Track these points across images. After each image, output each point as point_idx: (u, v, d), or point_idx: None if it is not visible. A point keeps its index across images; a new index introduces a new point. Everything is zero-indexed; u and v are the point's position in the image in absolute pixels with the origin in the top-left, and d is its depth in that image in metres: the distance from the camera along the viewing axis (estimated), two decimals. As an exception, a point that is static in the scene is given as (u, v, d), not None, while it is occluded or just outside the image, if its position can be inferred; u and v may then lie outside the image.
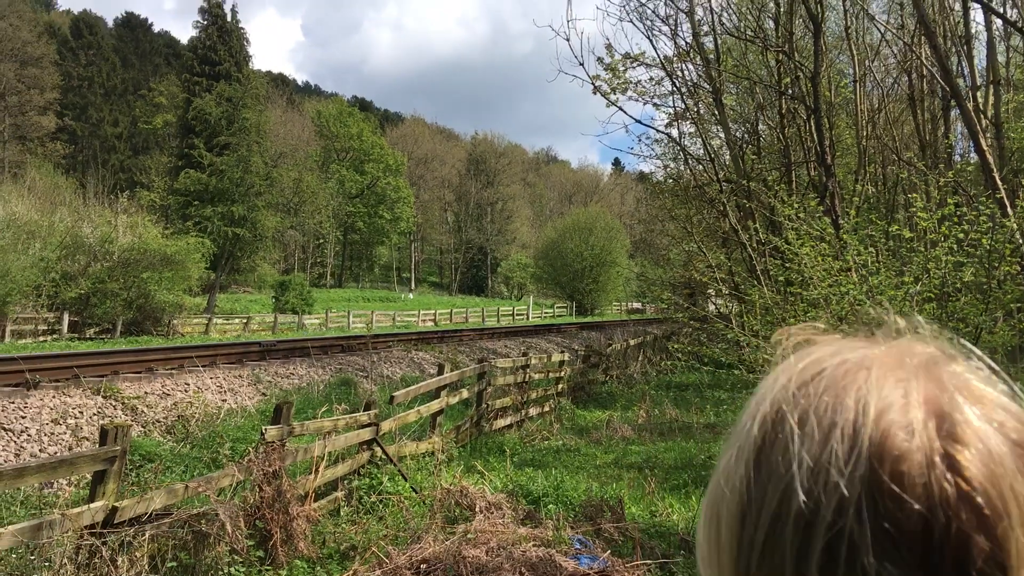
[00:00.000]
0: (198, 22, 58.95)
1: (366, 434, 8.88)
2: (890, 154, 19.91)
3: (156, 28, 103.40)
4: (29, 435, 9.06)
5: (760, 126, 21.98)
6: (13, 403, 9.51)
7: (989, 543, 0.53)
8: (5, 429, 8.92)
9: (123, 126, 78.11)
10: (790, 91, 17.84)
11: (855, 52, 17.93)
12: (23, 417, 9.34)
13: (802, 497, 0.56)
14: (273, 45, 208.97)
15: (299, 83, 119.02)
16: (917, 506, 0.54)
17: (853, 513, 0.55)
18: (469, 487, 8.06)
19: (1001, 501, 0.55)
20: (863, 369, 0.61)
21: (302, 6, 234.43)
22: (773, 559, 0.57)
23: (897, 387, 0.59)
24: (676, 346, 12.81)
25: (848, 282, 8.48)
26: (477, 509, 7.61)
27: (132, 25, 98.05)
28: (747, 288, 11.30)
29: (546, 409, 15.00)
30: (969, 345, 0.65)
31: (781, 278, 9.83)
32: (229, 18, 59.09)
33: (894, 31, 18.39)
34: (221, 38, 57.54)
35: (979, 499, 0.54)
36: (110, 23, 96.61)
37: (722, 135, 20.65)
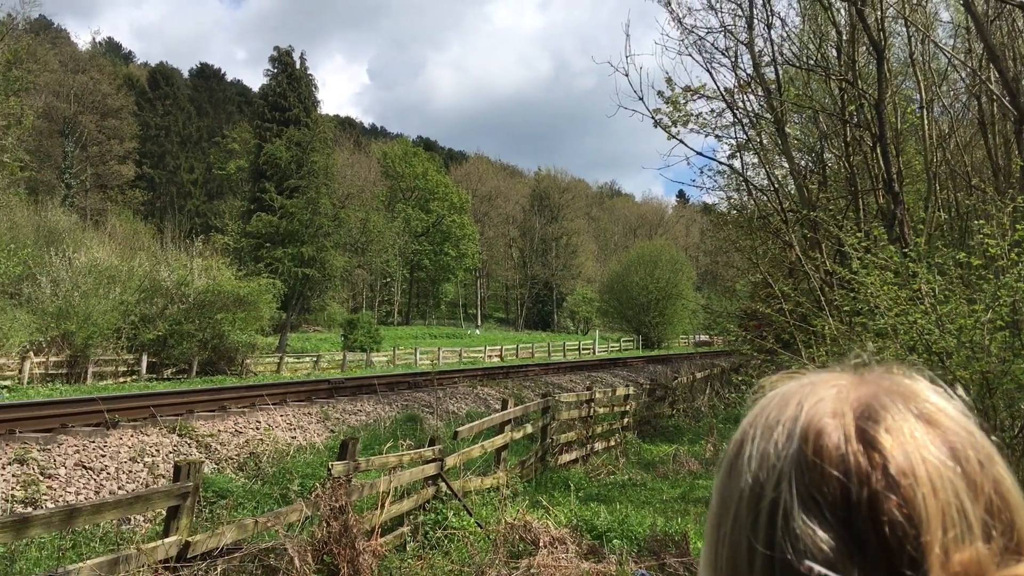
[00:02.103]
0: (268, 70, 60.86)
1: (431, 469, 8.98)
2: (962, 180, 19.45)
3: (229, 77, 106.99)
4: (108, 473, 9.39)
5: (825, 154, 21.70)
6: (93, 442, 9.88)
7: (898, 500, 0.62)
8: (86, 467, 9.26)
9: (198, 172, 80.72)
10: (855, 119, 17.62)
11: (921, 78, 17.64)
12: (103, 456, 9.68)
13: (749, 480, 0.67)
14: (340, 90, 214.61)
15: (365, 125, 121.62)
16: (836, 473, 0.64)
17: (786, 485, 0.65)
18: (533, 522, 8.08)
19: (909, 465, 0.64)
20: (811, 384, 0.71)
21: (368, 51, 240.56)
22: (736, 544, 0.67)
23: (832, 389, 0.70)
24: (741, 378, 12.66)
25: (916, 311, 8.33)
26: (541, 544, 7.62)
27: (206, 75, 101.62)
28: (813, 319, 11.15)
29: (612, 443, 14.91)
30: (932, 375, 0.75)
31: (847, 308, 9.68)
32: (298, 66, 60.86)
33: (960, 57, 18.06)
34: (290, 85, 59.25)
35: (890, 465, 0.63)
36: (185, 74, 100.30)
37: (786, 165, 20.45)
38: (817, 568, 0.61)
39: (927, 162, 17.94)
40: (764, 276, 19.25)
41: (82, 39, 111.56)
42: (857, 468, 0.63)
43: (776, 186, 19.53)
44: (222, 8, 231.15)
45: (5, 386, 21.85)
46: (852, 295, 9.60)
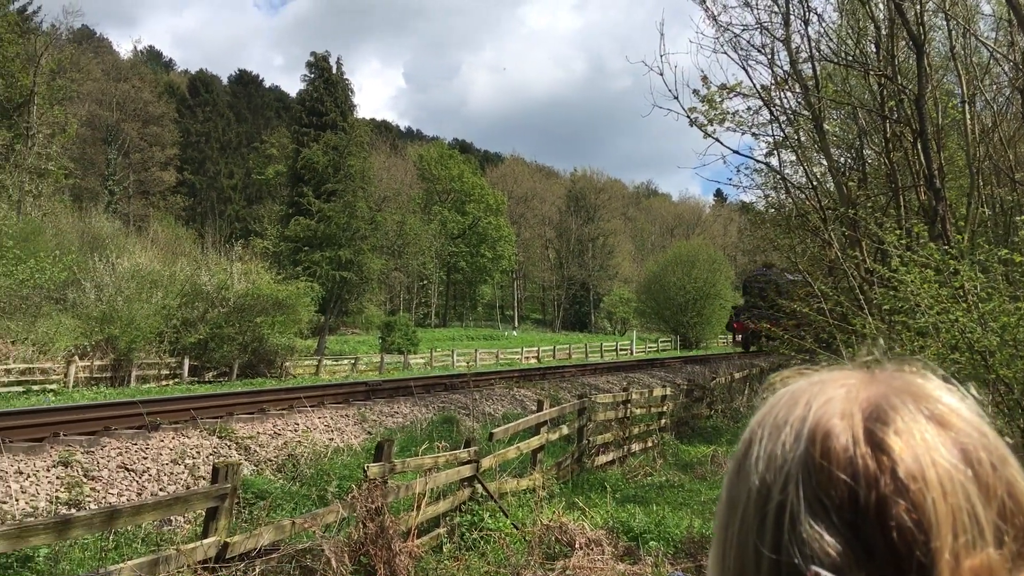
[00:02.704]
0: (305, 75, 61.40)
1: (466, 471, 8.99)
2: (1005, 175, 19.06)
3: (267, 83, 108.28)
4: (150, 474, 9.54)
5: (865, 151, 21.40)
6: (136, 444, 10.04)
7: (907, 505, 0.61)
8: (128, 469, 9.41)
9: (238, 178, 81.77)
10: (895, 114, 17.35)
11: (962, 72, 17.31)
12: (145, 458, 9.84)
13: (756, 482, 0.66)
14: (377, 94, 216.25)
15: (401, 128, 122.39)
16: (843, 476, 0.62)
17: (793, 488, 0.64)
18: (569, 523, 8.06)
19: (919, 468, 0.62)
20: (821, 382, 0.69)
21: (403, 55, 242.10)
22: (743, 546, 0.66)
23: (841, 388, 0.69)
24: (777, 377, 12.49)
25: (958, 309, 8.18)
26: (577, 545, 7.60)
27: (245, 81, 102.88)
28: (852, 318, 11.00)
29: (649, 444, 14.84)
30: (945, 374, 0.73)
31: (887, 307, 9.53)
32: (334, 71, 61.32)
33: (1003, 51, 17.71)
34: (327, 90, 59.73)
35: (899, 469, 0.62)
36: (225, 80, 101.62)
37: (824, 162, 20.20)
38: (824, 573, 0.60)
39: (969, 157, 17.61)
40: (803, 275, 19.04)
41: (124, 48, 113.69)
42: (865, 471, 0.62)
43: (815, 184, 19.30)
44: (260, 15, 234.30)
45: (51, 389, 22.29)
46: (892, 293, 9.45)
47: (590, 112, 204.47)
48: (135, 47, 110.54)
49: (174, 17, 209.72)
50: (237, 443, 11.09)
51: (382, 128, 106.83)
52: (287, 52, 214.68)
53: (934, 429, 0.65)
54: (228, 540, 6.15)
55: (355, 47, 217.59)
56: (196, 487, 8.87)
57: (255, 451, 11.11)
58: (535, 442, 11.09)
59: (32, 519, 7.08)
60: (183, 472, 9.83)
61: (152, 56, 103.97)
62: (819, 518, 0.62)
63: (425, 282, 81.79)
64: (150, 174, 72.05)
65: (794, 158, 20.95)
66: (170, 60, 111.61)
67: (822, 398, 0.68)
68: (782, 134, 20.35)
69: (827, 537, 0.61)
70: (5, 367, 22.23)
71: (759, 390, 0.77)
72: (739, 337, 41.87)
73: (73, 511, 7.60)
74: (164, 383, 26.41)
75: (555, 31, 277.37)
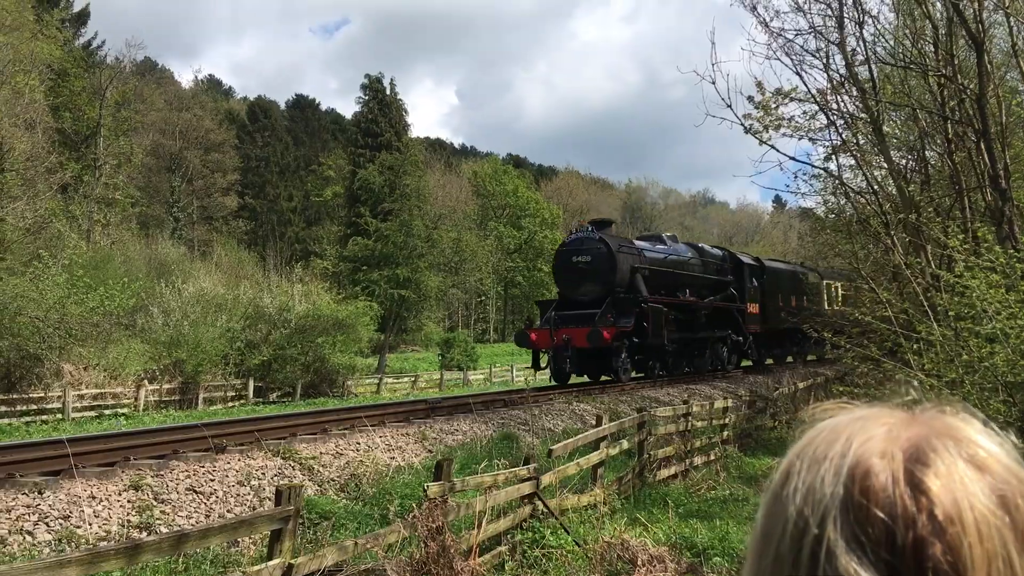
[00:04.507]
0: (360, 98, 62.38)
1: (526, 488, 8.99)
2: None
3: (323, 106, 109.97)
4: (217, 496, 9.73)
5: (926, 152, 20.92)
6: (203, 467, 10.26)
7: (943, 547, 0.61)
8: (196, 492, 9.62)
9: (297, 200, 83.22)
10: (956, 114, 16.94)
11: (1025, 68, 16.86)
12: (212, 480, 10.05)
13: (793, 514, 0.67)
14: (430, 112, 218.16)
15: (455, 146, 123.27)
16: (881, 515, 0.63)
17: (831, 524, 0.64)
18: (630, 540, 8.01)
19: (956, 511, 0.63)
20: (862, 419, 0.70)
21: (456, 73, 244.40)
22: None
23: (882, 427, 0.70)
24: (841, 388, 12.30)
25: (1028, 314, 7.95)
26: (639, 563, 7.54)
27: (302, 106, 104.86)
28: (918, 325, 10.75)
29: (711, 457, 14.65)
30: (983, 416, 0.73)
31: (952, 313, 9.30)
32: (388, 92, 62.18)
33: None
34: (382, 111, 60.58)
35: (936, 511, 0.63)
36: (282, 105, 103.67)
37: (885, 165, 19.80)
38: None
39: (1036, 155, 17.11)
40: (867, 281, 18.66)
41: (185, 78, 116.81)
42: (904, 511, 0.63)
43: (875, 188, 18.92)
44: (314, 40, 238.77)
45: (123, 413, 22.91)
46: (957, 299, 9.23)
47: (644, 123, 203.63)
48: (196, 77, 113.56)
49: (232, 46, 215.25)
50: (300, 463, 11.26)
51: (436, 146, 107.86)
52: (341, 75, 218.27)
53: (973, 473, 0.65)
54: (292, 562, 6.24)
55: (408, 68, 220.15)
56: (261, 509, 9.03)
57: (318, 471, 11.26)
58: (595, 457, 11.04)
59: (104, 544, 7.28)
60: (249, 493, 10.01)
61: (212, 85, 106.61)
62: (856, 555, 0.62)
63: (483, 298, 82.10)
64: (213, 200, 73.80)
65: (853, 162, 20.59)
66: (229, 88, 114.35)
67: (863, 436, 0.69)
68: (840, 138, 19.99)
69: (863, 574, 0.61)
70: (78, 393, 22.91)
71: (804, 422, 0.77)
72: (549, 361, 23.07)
73: (143, 535, 7.80)
74: (230, 404, 26.95)
75: (606, 43, 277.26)
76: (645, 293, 22.75)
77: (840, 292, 34.54)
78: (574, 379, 23.30)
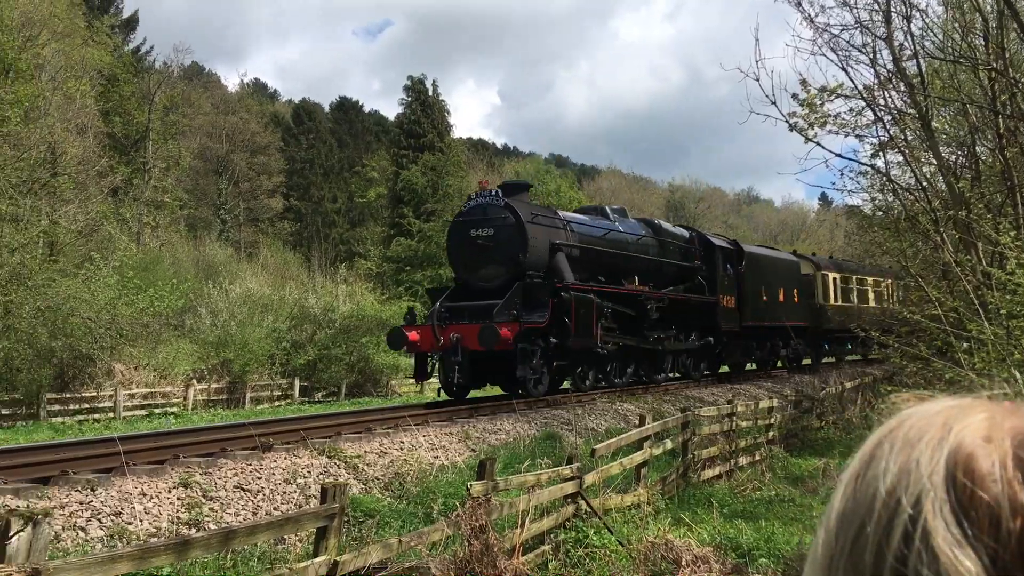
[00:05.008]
0: (403, 99, 62.82)
1: (569, 487, 8.99)
2: None
3: (366, 108, 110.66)
4: (264, 494, 9.87)
5: (977, 148, 20.48)
6: (250, 465, 10.41)
7: None
8: (244, 489, 9.77)
9: (341, 202, 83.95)
10: (1007, 109, 16.56)
11: (1080, 60, 16.44)
12: (259, 478, 10.19)
13: (883, 494, 0.65)
14: (472, 112, 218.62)
15: (498, 146, 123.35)
16: (986, 499, 0.61)
17: (928, 504, 0.62)
18: (674, 540, 7.96)
19: None
20: (959, 407, 0.70)
21: (497, 74, 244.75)
22: (857, 558, 0.65)
23: (982, 414, 0.68)
24: (888, 388, 12.10)
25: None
26: (683, 563, 7.50)
27: (345, 108, 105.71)
28: (968, 324, 10.54)
29: (756, 458, 14.52)
30: None
31: (1004, 311, 9.10)
32: (430, 93, 62.50)
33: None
34: (424, 112, 60.92)
35: None
36: (326, 108, 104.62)
37: (934, 162, 19.42)
38: None
39: (1092, 150, 16.66)
40: (915, 279, 18.33)
41: (231, 82, 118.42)
42: (1011, 498, 0.61)
43: (924, 184, 18.58)
44: (358, 43, 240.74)
45: (172, 412, 23.34)
46: (1009, 297, 9.03)
47: (686, 121, 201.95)
48: (242, 80, 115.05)
49: (277, 49, 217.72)
50: (345, 462, 11.37)
51: (478, 146, 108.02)
52: (384, 77, 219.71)
53: None
54: (337, 559, 6.31)
55: (450, 69, 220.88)
56: (307, 507, 9.14)
57: (363, 470, 11.36)
58: (638, 457, 11.01)
59: (155, 540, 7.43)
60: (295, 491, 10.14)
61: (258, 88, 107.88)
62: (956, 538, 0.61)
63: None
64: (259, 202, 74.74)
65: (901, 159, 20.23)
66: (275, 91, 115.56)
67: (964, 421, 0.67)
68: (887, 135, 19.64)
69: (962, 559, 0.60)
70: (129, 392, 23.39)
71: (873, 401, 0.75)
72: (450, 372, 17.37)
73: (193, 531, 7.94)
74: (276, 404, 27.31)
75: (648, 42, 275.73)
76: (570, 278, 17.87)
77: (840, 286, 31.86)
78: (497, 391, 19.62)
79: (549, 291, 16.98)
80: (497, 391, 19.75)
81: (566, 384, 20.16)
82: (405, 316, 19.12)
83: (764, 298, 26.29)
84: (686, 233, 25.27)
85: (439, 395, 18.84)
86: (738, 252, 25.96)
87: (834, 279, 31.47)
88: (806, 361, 31.10)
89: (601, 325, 18.24)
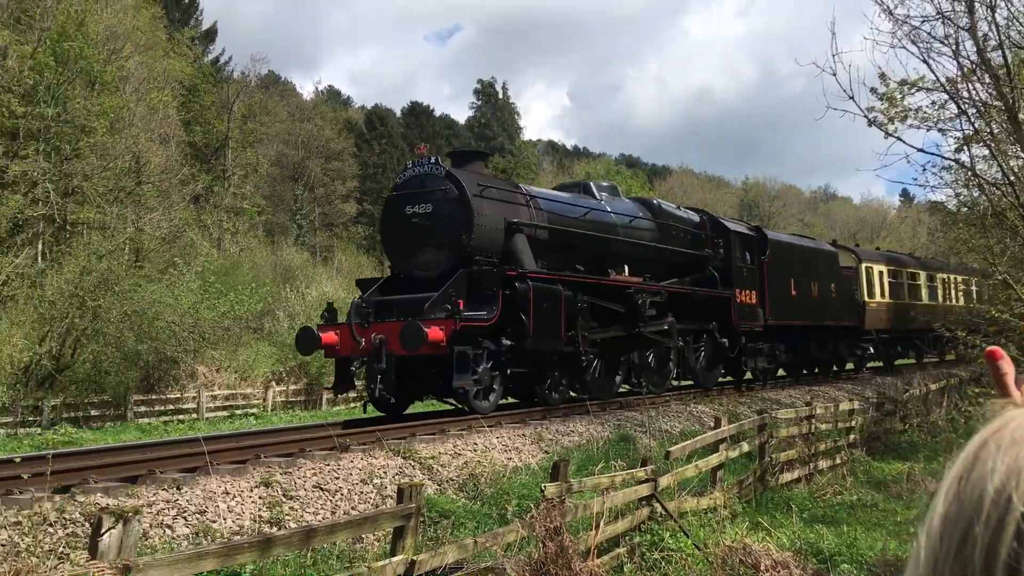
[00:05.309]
0: (473, 103, 63.56)
1: (644, 490, 8.92)
2: None
3: (437, 112, 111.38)
4: (342, 494, 10.04)
5: (1068, 140, 19.66)
6: (328, 465, 10.61)
7: None
8: (323, 489, 9.96)
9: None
10: (1100, 99, 15.88)
11: None
12: (337, 478, 10.38)
13: (992, 493, 0.64)
14: (543, 114, 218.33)
15: (568, 147, 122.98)
16: None
17: None
18: (753, 545, 7.83)
19: None
20: None
21: (567, 75, 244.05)
22: (965, 558, 0.64)
23: None
24: (976, 390, 11.69)
25: None
26: (762, 568, 7.38)
27: (416, 112, 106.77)
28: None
29: (837, 461, 14.18)
30: None
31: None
32: (500, 96, 62.90)
33: None
34: (494, 115, 61.38)
35: None
36: (398, 113, 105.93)
37: (1022, 155, 18.72)
38: None
39: None
40: (1003, 278, 17.69)
41: (306, 90, 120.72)
42: None
43: (1011, 179, 17.93)
44: (428, 48, 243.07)
45: (252, 413, 23.92)
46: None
47: (760, 118, 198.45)
48: (316, 88, 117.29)
49: (350, 57, 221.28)
50: (420, 463, 11.49)
51: (549, 148, 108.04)
52: (455, 81, 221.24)
53: None
54: (415, 558, 6.38)
55: (519, 71, 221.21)
56: (384, 507, 9.27)
57: (437, 471, 11.46)
58: (714, 460, 10.87)
59: (238, 537, 7.62)
60: (371, 491, 10.28)
61: (331, 95, 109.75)
62: None
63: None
64: (333, 207, 76.07)
65: (987, 153, 19.55)
66: (348, 98, 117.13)
67: None
68: (972, 128, 18.99)
69: None
70: (212, 394, 24.06)
71: (960, 404, 0.74)
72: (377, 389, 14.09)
73: (274, 529, 8.13)
74: (352, 405, 27.72)
75: (720, 39, 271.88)
76: (530, 265, 14.74)
77: (888, 280, 29.11)
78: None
79: (499, 280, 13.91)
80: (444, 407, 16.41)
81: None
82: (323, 313, 15.93)
83: (793, 293, 23.01)
84: (696, 217, 21.60)
85: (365, 410, 15.71)
86: (761, 239, 22.68)
87: (880, 272, 28.63)
88: (849, 366, 28.30)
89: (567, 323, 15.08)
